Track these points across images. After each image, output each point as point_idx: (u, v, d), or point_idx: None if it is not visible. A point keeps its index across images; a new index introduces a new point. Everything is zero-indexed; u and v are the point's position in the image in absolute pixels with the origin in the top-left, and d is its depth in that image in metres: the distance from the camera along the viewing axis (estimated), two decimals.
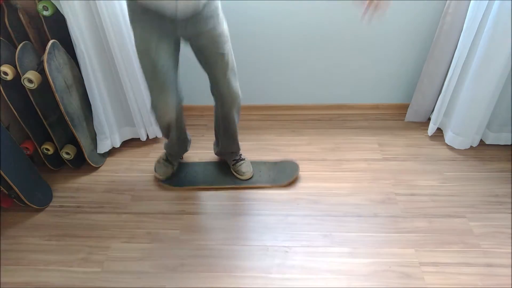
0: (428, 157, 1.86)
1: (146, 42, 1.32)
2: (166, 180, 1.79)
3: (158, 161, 1.83)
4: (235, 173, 1.78)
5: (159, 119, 1.54)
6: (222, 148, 1.79)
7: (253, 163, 1.82)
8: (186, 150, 1.87)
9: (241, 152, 1.82)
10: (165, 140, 1.78)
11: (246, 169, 1.76)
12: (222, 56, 1.40)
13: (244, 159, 1.79)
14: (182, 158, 1.90)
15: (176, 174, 1.81)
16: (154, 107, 1.49)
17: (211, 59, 1.42)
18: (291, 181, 1.74)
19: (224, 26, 1.38)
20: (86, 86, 1.74)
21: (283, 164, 1.83)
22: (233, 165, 1.79)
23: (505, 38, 1.54)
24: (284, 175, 1.77)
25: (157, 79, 1.39)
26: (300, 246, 1.49)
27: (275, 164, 1.84)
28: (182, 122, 1.68)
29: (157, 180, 1.80)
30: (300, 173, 1.79)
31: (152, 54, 1.33)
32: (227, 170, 1.82)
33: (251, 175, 1.76)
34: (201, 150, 1.95)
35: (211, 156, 1.90)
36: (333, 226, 1.55)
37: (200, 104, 2.17)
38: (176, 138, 1.71)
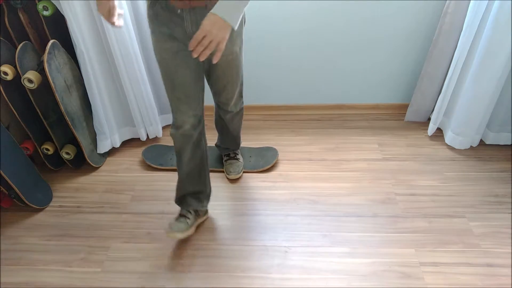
0: (428, 157, 1.86)
1: (162, 52, 1.26)
2: (152, 159, 1.88)
3: (170, 222, 1.49)
4: (224, 169, 1.82)
5: (174, 132, 1.36)
6: (218, 141, 1.83)
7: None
8: (200, 201, 1.53)
9: (238, 152, 1.84)
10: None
11: (234, 169, 1.78)
12: (235, 76, 1.39)
13: (238, 159, 1.81)
14: (199, 215, 1.56)
15: (162, 154, 1.91)
16: (174, 118, 1.35)
17: (224, 79, 1.39)
18: (269, 167, 1.82)
19: (241, 45, 1.33)
20: (86, 86, 1.74)
21: (263, 150, 1.91)
22: (225, 160, 1.83)
23: (505, 38, 1.54)
24: (264, 161, 1.84)
25: (176, 91, 1.31)
26: (300, 246, 1.49)
27: (255, 149, 1.91)
28: (202, 146, 1.45)
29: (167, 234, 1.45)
30: (300, 173, 1.79)
31: (170, 65, 1.27)
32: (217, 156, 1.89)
33: (238, 176, 1.78)
34: None
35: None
36: (333, 226, 1.55)
37: None
38: (188, 168, 1.44)
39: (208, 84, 1.46)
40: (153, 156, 1.92)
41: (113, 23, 1.21)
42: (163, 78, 1.32)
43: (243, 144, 1.91)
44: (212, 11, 1.02)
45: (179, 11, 1.16)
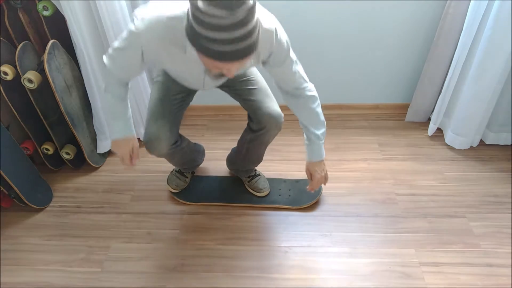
0: (428, 157, 1.86)
1: (166, 89, 1.37)
2: (181, 194, 1.70)
3: (171, 173, 1.74)
4: (251, 190, 1.68)
5: (151, 145, 1.37)
6: (240, 166, 1.69)
7: (272, 180, 1.73)
8: (198, 164, 1.81)
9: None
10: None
11: (263, 185, 1.67)
12: (254, 90, 1.40)
13: (259, 175, 1.70)
14: (195, 172, 1.82)
15: (190, 188, 1.72)
16: (147, 133, 1.36)
17: (249, 97, 1.40)
18: (313, 203, 1.63)
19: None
20: (86, 86, 1.74)
21: (305, 183, 1.69)
22: (248, 181, 1.69)
23: (505, 38, 1.54)
24: (306, 195, 1.64)
25: (161, 108, 1.35)
26: (300, 246, 1.49)
27: (296, 182, 1.73)
28: (184, 144, 1.54)
29: (170, 193, 1.72)
30: (300, 173, 1.76)
31: (167, 93, 1.37)
32: (243, 186, 1.71)
33: (269, 190, 1.67)
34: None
35: (217, 163, 1.90)
36: (333, 226, 1.55)
37: (200, 104, 2.16)
38: (181, 161, 1.63)
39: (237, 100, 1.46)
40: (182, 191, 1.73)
41: (133, 165, 1.29)
42: (152, 95, 1.40)
43: (270, 163, 1.82)
44: (314, 160, 1.34)
45: None
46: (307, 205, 1.62)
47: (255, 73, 1.43)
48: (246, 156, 1.58)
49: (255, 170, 1.71)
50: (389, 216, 1.58)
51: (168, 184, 1.72)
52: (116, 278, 1.41)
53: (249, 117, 1.46)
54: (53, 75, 1.58)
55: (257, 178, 1.69)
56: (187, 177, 1.74)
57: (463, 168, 1.79)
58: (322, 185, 1.40)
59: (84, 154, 1.83)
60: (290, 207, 1.62)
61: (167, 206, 1.69)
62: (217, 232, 1.56)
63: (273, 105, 1.40)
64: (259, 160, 1.64)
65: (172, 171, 1.76)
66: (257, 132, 1.43)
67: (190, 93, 1.43)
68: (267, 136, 1.45)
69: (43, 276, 1.43)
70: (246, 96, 1.40)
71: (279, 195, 1.67)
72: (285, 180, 1.74)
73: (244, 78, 1.39)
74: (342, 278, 1.37)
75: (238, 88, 1.40)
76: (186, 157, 1.63)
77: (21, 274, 1.45)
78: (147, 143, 1.37)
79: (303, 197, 1.65)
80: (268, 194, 1.67)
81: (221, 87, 1.42)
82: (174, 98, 1.38)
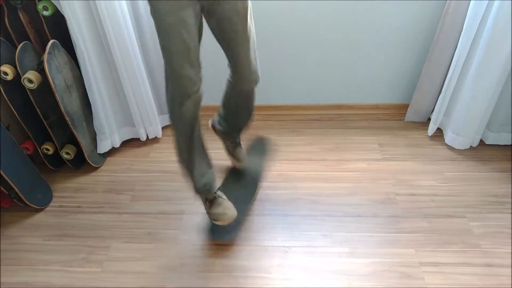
0: (428, 157, 1.86)
1: (172, 15, 1.16)
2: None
3: (209, 213, 1.46)
4: (232, 157, 1.72)
5: (185, 103, 1.26)
6: (231, 124, 1.61)
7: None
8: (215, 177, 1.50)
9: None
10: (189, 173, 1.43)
11: (244, 156, 1.72)
12: (245, 30, 1.27)
13: (241, 145, 1.74)
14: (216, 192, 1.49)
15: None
16: (177, 77, 1.23)
17: (232, 33, 1.27)
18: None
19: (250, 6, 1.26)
20: (86, 86, 1.74)
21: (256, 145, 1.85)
22: (232, 148, 1.71)
23: (505, 38, 1.54)
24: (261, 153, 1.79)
25: (188, 56, 1.22)
26: (300, 246, 1.49)
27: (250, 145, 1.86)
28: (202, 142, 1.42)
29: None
30: (300, 173, 1.79)
31: (181, 29, 1.17)
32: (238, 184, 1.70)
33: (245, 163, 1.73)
34: None
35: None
36: (333, 226, 1.55)
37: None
38: (199, 145, 1.40)
39: (221, 43, 1.33)
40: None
41: None
42: (171, 42, 1.20)
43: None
44: None
45: None
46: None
47: (250, 7, 1.29)
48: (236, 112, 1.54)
49: (239, 139, 1.71)
50: (389, 216, 1.58)
51: (217, 221, 1.43)
52: (116, 278, 1.41)
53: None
54: (53, 75, 1.58)
55: (240, 148, 1.71)
56: (221, 196, 1.46)
57: (463, 168, 1.79)
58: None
59: (84, 154, 1.83)
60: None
61: (167, 206, 1.69)
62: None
63: (254, 61, 1.35)
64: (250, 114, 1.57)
65: (208, 211, 1.47)
66: (237, 84, 1.41)
67: (193, 8, 1.21)
68: (248, 90, 1.43)
69: (43, 276, 1.43)
70: (229, 34, 1.27)
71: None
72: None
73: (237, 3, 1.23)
74: (342, 278, 1.37)
75: (227, 15, 1.24)
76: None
77: (21, 274, 1.45)
78: (187, 101, 1.27)
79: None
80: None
81: (212, 8, 1.24)
82: (193, 37, 1.22)
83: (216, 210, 1.42)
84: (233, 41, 1.30)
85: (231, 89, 1.47)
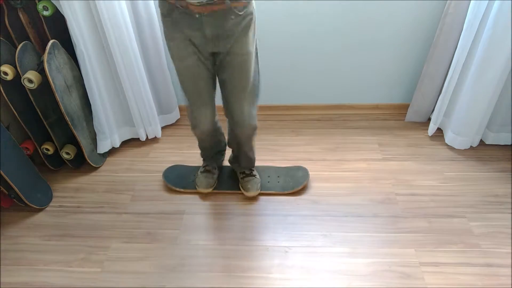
0: (428, 157, 1.86)
1: (183, 58, 1.30)
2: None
3: (197, 175, 1.74)
4: (240, 187, 1.71)
5: (195, 128, 1.51)
6: (234, 157, 1.75)
7: (262, 168, 1.77)
8: (224, 147, 1.78)
9: (254, 169, 1.73)
10: (200, 147, 1.72)
11: (252, 185, 1.67)
12: (246, 79, 1.34)
13: (254, 176, 1.70)
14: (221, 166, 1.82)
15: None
16: (193, 117, 1.48)
17: (230, 86, 1.36)
18: (299, 188, 1.69)
19: (254, 45, 1.31)
20: (86, 86, 1.74)
21: (292, 170, 1.77)
22: (241, 178, 1.71)
23: (505, 38, 1.54)
24: (293, 182, 1.72)
25: (200, 95, 1.39)
26: (300, 246, 1.49)
27: (284, 169, 1.78)
28: (218, 132, 1.67)
29: (201, 193, 1.72)
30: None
31: (193, 71, 1.33)
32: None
33: (256, 193, 1.67)
34: None
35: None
36: (333, 226, 1.55)
37: None
38: (210, 146, 1.69)
39: (220, 86, 1.43)
40: (174, 178, 1.78)
41: None
42: (184, 84, 1.38)
43: (271, 163, 1.84)
44: None
45: (197, 15, 1.17)
46: (297, 189, 1.69)
47: (255, 53, 1.34)
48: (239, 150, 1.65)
49: (252, 170, 1.71)
50: (389, 216, 1.58)
51: (197, 187, 1.71)
52: (116, 278, 1.41)
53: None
54: (53, 75, 1.58)
55: (250, 178, 1.68)
56: (214, 174, 1.73)
57: (463, 168, 1.79)
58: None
59: (84, 154, 1.83)
60: (281, 192, 1.69)
61: (167, 206, 1.69)
62: (217, 232, 1.56)
63: (252, 110, 1.43)
64: (250, 155, 1.66)
65: (197, 174, 1.75)
66: (237, 129, 1.51)
67: (203, 51, 1.30)
68: (244, 141, 1.55)
69: (43, 276, 1.43)
70: (229, 81, 1.35)
71: (268, 182, 1.73)
72: (275, 168, 1.80)
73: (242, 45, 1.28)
74: (342, 278, 1.37)
75: (231, 60, 1.30)
76: (219, 134, 1.70)
77: (21, 274, 1.45)
78: (195, 130, 1.53)
79: (292, 182, 1.72)
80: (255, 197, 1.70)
81: (219, 55, 1.31)
82: (204, 77, 1.36)
83: (201, 179, 1.71)
84: (231, 94, 1.39)
85: (230, 130, 1.62)
